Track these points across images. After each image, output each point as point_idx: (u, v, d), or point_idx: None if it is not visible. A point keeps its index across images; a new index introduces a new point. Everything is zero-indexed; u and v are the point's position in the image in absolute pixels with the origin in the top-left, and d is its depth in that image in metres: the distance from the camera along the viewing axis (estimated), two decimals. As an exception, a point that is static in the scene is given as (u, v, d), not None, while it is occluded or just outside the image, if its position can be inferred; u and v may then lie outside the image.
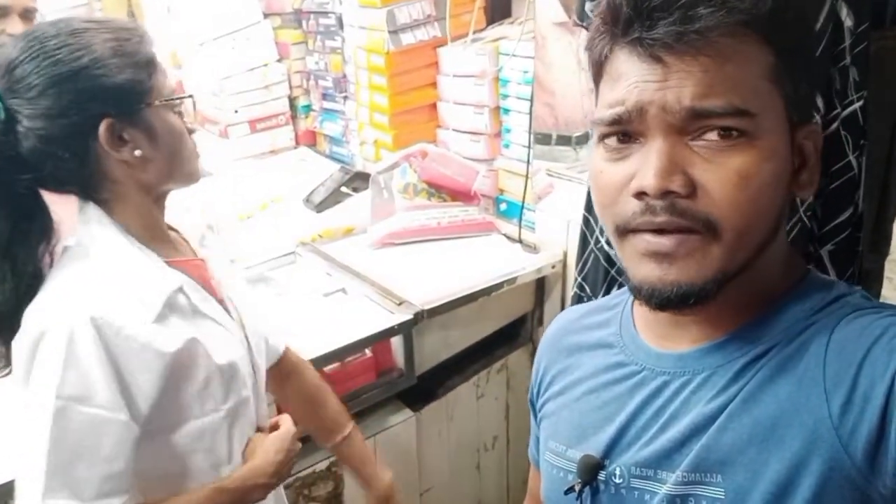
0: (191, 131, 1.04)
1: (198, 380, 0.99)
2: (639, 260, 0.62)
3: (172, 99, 1.00)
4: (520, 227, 1.95)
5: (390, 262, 1.89)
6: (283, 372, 1.26)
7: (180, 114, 1.02)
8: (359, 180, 2.17)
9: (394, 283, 1.75)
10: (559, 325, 0.85)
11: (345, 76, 2.31)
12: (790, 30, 0.61)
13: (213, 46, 2.41)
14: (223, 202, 2.21)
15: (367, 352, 1.64)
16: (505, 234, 1.99)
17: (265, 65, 2.47)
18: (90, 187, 0.98)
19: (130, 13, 4.00)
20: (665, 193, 0.59)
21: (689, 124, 0.59)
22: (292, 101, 2.57)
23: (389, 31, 2.03)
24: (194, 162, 1.05)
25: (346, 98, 2.34)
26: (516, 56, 1.88)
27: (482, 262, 1.86)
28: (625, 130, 0.62)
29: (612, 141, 0.63)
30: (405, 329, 1.62)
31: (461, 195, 2.02)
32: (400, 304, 1.67)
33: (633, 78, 0.60)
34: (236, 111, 2.44)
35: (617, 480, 0.68)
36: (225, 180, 2.37)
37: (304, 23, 2.43)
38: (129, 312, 0.93)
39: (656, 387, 0.68)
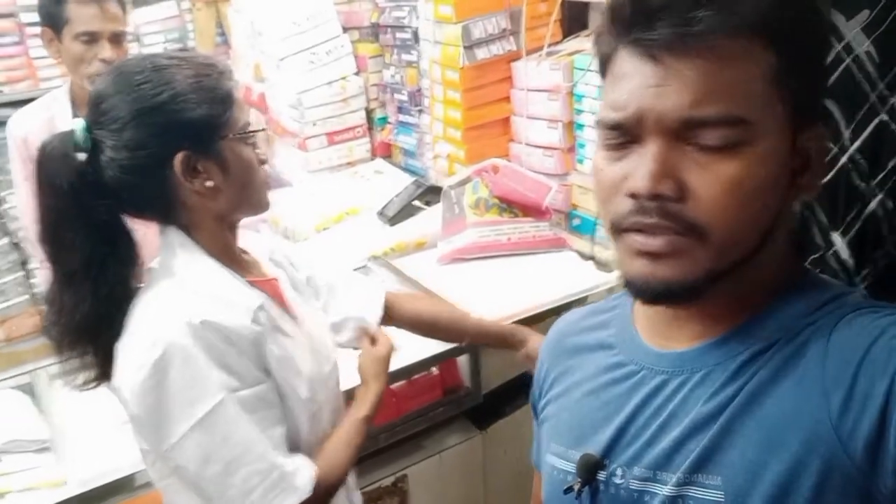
0: (262, 162, 1.08)
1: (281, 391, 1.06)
2: (631, 256, 0.64)
3: (245, 133, 1.04)
4: (593, 243, 1.91)
5: (460, 277, 1.89)
6: (395, 318, 1.39)
7: (254, 145, 1.07)
8: (431, 194, 2.18)
9: (462, 300, 1.74)
10: (560, 328, 0.86)
11: (420, 90, 2.33)
12: (792, 32, 0.61)
13: (294, 60, 2.47)
14: (301, 213, 2.27)
15: (434, 369, 1.64)
16: (577, 251, 1.96)
17: (343, 78, 2.52)
18: (168, 214, 1.04)
19: (219, 26, 4.16)
20: (655, 196, 0.60)
21: (685, 130, 0.60)
22: (369, 113, 2.61)
23: (464, 47, 2.03)
24: (264, 192, 1.09)
25: (420, 111, 2.36)
26: (591, 70, 1.84)
27: (553, 280, 1.83)
28: (624, 133, 0.63)
29: (612, 141, 0.64)
30: (472, 347, 1.62)
31: (533, 210, 2.00)
32: None
33: (634, 81, 0.61)
34: (314, 123, 2.49)
35: (617, 480, 0.68)
36: (302, 192, 2.43)
37: (381, 36, 2.46)
38: (231, 318, 1.00)
39: (655, 386, 0.68)
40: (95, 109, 1.00)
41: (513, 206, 2.01)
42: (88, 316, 1.00)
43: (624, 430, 0.69)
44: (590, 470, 0.70)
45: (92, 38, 1.81)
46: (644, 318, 0.73)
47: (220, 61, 1.08)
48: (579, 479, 0.70)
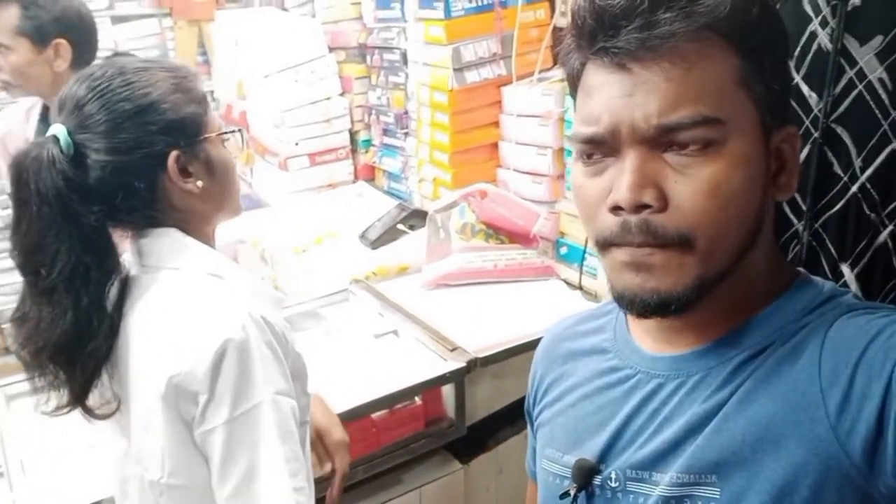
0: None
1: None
2: (619, 270, 0.63)
3: (223, 133, 1.05)
4: (580, 272, 1.87)
5: (445, 303, 1.83)
6: None
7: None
8: (416, 218, 2.13)
9: (447, 327, 1.69)
10: (554, 334, 0.85)
11: (406, 112, 2.29)
12: (755, 31, 0.61)
13: (278, 79, 2.42)
14: (279, 234, 2.20)
15: (417, 399, 1.58)
16: (565, 280, 1.92)
17: (328, 98, 2.47)
18: (158, 217, 1.01)
19: (201, 45, 4.12)
20: (639, 207, 0.60)
21: (659, 138, 0.60)
22: (353, 135, 2.56)
23: (454, 69, 2.00)
24: (238, 195, 1.11)
25: (406, 134, 2.31)
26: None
27: (540, 309, 1.78)
28: (599, 147, 0.63)
29: (589, 155, 0.64)
30: (457, 377, 1.56)
31: (520, 238, 1.95)
32: (453, 350, 1.60)
33: (604, 93, 0.61)
34: (297, 143, 2.44)
35: (612, 484, 0.68)
36: (282, 212, 2.37)
37: (368, 57, 2.43)
38: (273, 314, 0.99)
39: (650, 390, 0.68)
40: (77, 113, 0.96)
41: (500, 233, 1.96)
42: (68, 331, 0.94)
43: (619, 435, 0.69)
44: (585, 475, 0.69)
45: None
46: (639, 323, 0.73)
47: (188, 65, 1.10)
48: (575, 485, 0.70)
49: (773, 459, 0.59)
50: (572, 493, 0.70)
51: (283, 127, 2.42)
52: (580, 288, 1.87)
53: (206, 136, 1.02)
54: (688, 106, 0.58)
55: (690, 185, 0.59)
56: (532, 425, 0.85)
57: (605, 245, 0.64)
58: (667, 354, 0.69)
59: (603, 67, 0.62)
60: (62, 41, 1.82)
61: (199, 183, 1.01)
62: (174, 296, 0.99)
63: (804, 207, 1.10)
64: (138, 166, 0.96)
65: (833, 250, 1.07)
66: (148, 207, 1.00)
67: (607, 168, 0.63)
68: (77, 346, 0.95)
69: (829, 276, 1.07)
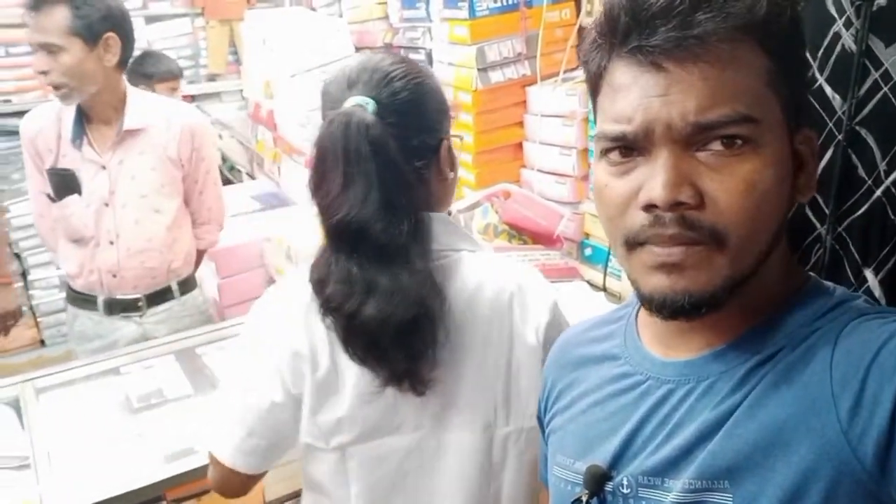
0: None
1: None
2: (648, 271, 0.63)
3: (455, 135, 1.11)
4: (605, 274, 1.85)
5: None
6: None
7: None
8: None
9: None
10: (564, 340, 0.85)
11: (431, 112, 2.29)
12: (785, 34, 0.61)
13: (304, 78, 2.44)
14: (306, 233, 2.22)
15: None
16: (588, 281, 1.91)
17: (354, 98, 2.48)
18: (425, 199, 1.02)
19: (232, 44, 4.17)
20: (675, 205, 0.59)
21: (694, 136, 0.60)
22: (379, 134, 2.57)
23: (478, 69, 1.99)
24: None
25: (431, 134, 2.32)
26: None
27: (563, 310, 1.77)
28: (629, 146, 0.62)
29: (616, 155, 0.63)
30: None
31: (543, 238, 1.94)
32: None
33: (635, 91, 0.61)
34: (323, 143, 2.45)
35: (624, 491, 0.68)
36: (308, 211, 2.38)
37: (405, 55, 2.43)
38: None
39: (661, 395, 0.68)
40: (381, 89, 0.98)
41: (523, 234, 1.96)
42: (418, 296, 0.94)
43: (631, 441, 0.69)
44: (597, 481, 0.69)
45: (34, 50, 1.83)
46: (649, 328, 0.73)
47: None
48: (586, 491, 0.70)
49: (784, 464, 0.59)
50: (584, 499, 0.70)
51: (310, 126, 2.43)
52: (604, 289, 1.85)
53: (448, 132, 1.06)
54: (724, 105, 0.59)
55: (726, 183, 0.59)
56: (543, 432, 0.85)
57: (632, 245, 0.63)
58: (677, 360, 0.69)
59: (636, 66, 0.61)
60: (112, 35, 1.84)
61: (452, 174, 1.06)
62: (499, 270, 1.05)
63: (827, 211, 1.08)
64: (424, 147, 1.01)
65: (857, 255, 1.05)
66: (423, 189, 1.01)
67: (636, 168, 0.62)
68: (423, 313, 0.95)
69: (853, 281, 1.05)
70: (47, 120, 1.94)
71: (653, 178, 0.60)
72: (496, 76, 2.02)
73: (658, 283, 0.62)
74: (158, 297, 2.04)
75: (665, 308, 0.63)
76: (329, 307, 0.96)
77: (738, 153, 0.59)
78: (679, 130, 0.59)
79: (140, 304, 2.02)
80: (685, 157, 0.60)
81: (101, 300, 2.00)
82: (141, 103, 1.96)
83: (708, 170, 0.60)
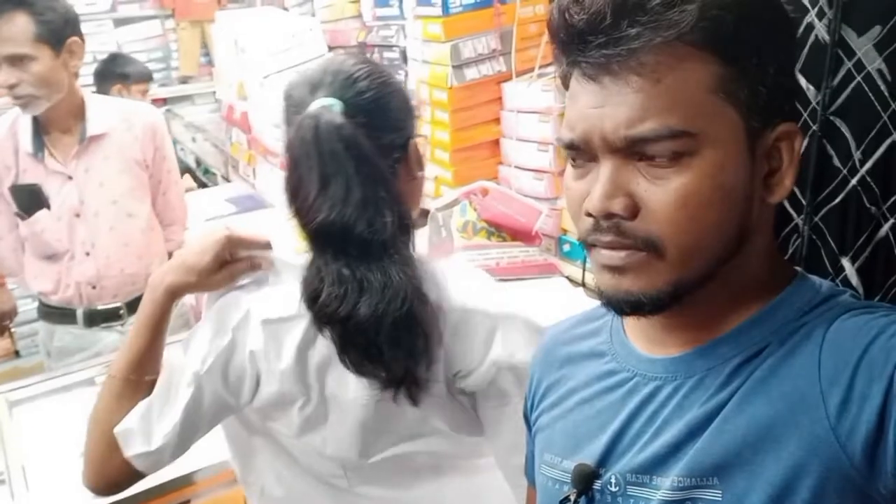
0: None
1: None
2: (599, 270, 0.65)
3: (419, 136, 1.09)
4: (584, 269, 1.85)
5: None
6: None
7: None
8: (418, 216, 2.12)
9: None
10: (550, 337, 0.85)
11: (407, 110, 2.28)
12: (735, 36, 0.59)
13: (278, 79, 2.41)
14: (282, 235, 2.20)
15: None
16: (567, 277, 1.90)
17: (328, 98, 2.46)
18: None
19: (204, 46, 4.11)
20: (608, 216, 0.61)
21: (629, 148, 0.60)
22: (354, 134, 2.55)
23: (453, 66, 1.98)
24: None
25: (407, 132, 2.30)
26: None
27: (543, 306, 1.76)
28: (581, 151, 0.64)
29: (574, 158, 0.66)
30: (458, 376, 1.54)
31: (522, 235, 1.94)
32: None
33: (580, 101, 0.63)
34: (298, 144, 2.43)
35: (612, 489, 0.68)
36: (284, 213, 2.36)
37: (368, 56, 2.42)
38: None
39: (649, 392, 0.68)
40: (350, 88, 0.96)
41: (501, 231, 1.95)
42: (409, 292, 0.93)
43: (619, 438, 0.69)
44: (585, 479, 0.69)
45: None
46: (635, 325, 0.73)
47: None
48: (574, 490, 0.69)
49: (773, 461, 0.59)
50: (572, 498, 0.69)
51: (284, 127, 2.41)
52: (583, 285, 1.85)
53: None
54: (655, 118, 0.59)
55: (660, 194, 0.60)
56: (530, 430, 0.84)
57: (587, 245, 0.66)
58: (664, 356, 0.69)
59: (581, 77, 0.62)
60: (76, 39, 1.79)
61: (420, 173, 1.04)
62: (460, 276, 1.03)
63: (804, 202, 1.09)
64: (393, 146, 0.99)
65: (833, 244, 1.06)
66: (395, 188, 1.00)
67: (589, 172, 0.64)
68: (418, 310, 0.93)
69: (830, 270, 1.06)
70: (1, 135, 1.87)
71: (594, 188, 0.62)
72: (471, 73, 2.01)
73: (606, 282, 0.64)
74: (138, 303, 2.00)
75: (611, 305, 0.65)
76: (323, 315, 0.94)
77: (673, 165, 0.60)
78: (612, 143, 0.61)
79: (121, 312, 1.98)
80: (625, 167, 0.61)
81: (80, 312, 1.96)
82: (100, 107, 1.92)
83: (645, 180, 0.61)
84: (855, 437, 0.56)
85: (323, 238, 0.94)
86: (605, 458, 0.69)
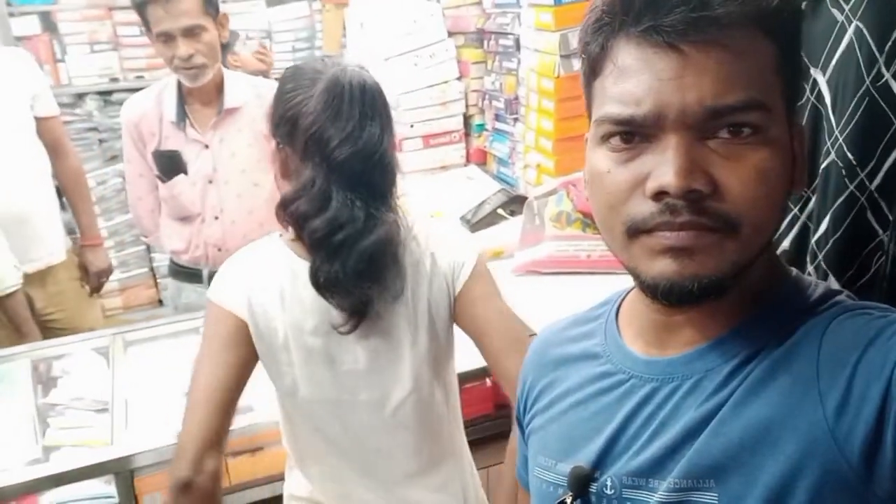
0: None
1: None
2: (653, 257, 0.60)
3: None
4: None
5: (533, 291, 1.84)
6: None
7: None
8: (516, 204, 2.15)
9: (529, 314, 1.68)
10: (543, 339, 0.83)
11: (517, 98, 2.29)
12: (790, 26, 0.61)
13: (398, 61, 2.49)
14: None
15: (488, 381, 1.60)
16: (659, 276, 1.85)
17: (445, 82, 2.52)
18: None
19: (343, 27, 4.29)
20: (688, 193, 0.57)
21: (706, 122, 0.58)
22: (467, 118, 2.60)
23: (561, 55, 1.98)
24: None
25: (516, 120, 2.32)
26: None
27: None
28: (633, 131, 0.60)
29: (617, 141, 0.61)
30: (529, 364, 1.56)
31: (617, 230, 1.91)
32: (531, 335, 1.60)
33: (646, 74, 0.59)
34: (412, 126, 2.51)
35: (608, 492, 0.66)
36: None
37: (485, 42, 2.45)
38: None
39: (645, 394, 0.67)
40: (370, 95, 1.09)
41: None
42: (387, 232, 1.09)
43: (615, 441, 0.67)
44: (581, 482, 0.68)
45: (168, 38, 1.86)
46: (632, 326, 0.71)
47: None
48: (570, 493, 0.68)
49: (771, 462, 0.58)
50: (568, 501, 0.68)
51: (399, 109, 2.49)
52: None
53: None
54: (740, 90, 0.57)
55: (738, 171, 0.58)
56: (523, 433, 0.83)
57: (634, 233, 0.61)
58: (660, 358, 0.67)
59: (647, 46, 0.58)
60: (224, 12, 1.93)
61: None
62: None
63: (890, 216, 1.01)
64: (393, 145, 1.15)
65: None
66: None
67: (640, 155, 0.60)
68: (392, 250, 1.10)
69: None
70: (149, 104, 2.03)
71: (662, 166, 0.58)
72: (579, 63, 1.99)
73: (664, 267, 0.59)
74: None
75: (672, 294, 0.60)
76: (323, 234, 1.06)
77: (746, 142, 0.58)
78: (692, 115, 0.57)
79: None
80: (696, 143, 0.58)
81: (205, 273, 2.10)
82: (236, 82, 2.06)
83: (720, 158, 0.58)
84: (853, 438, 0.55)
85: (349, 168, 1.05)
86: (601, 461, 0.68)
